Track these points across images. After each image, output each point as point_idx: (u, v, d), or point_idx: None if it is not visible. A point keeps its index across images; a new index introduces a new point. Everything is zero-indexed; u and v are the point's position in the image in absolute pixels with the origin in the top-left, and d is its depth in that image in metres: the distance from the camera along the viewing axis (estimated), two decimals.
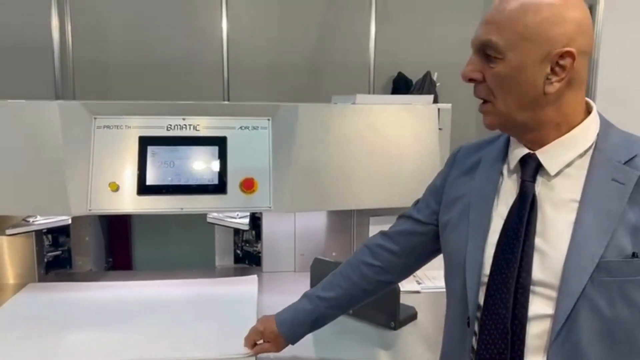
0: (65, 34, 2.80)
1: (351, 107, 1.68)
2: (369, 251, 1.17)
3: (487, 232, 0.91)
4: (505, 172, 0.94)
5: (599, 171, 0.84)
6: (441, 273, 1.76)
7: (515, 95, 0.86)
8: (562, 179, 0.87)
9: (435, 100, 2.86)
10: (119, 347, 1.21)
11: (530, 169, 0.89)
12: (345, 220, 1.78)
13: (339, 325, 1.40)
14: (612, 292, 0.78)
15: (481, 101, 0.91)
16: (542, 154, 0.88)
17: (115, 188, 1.53)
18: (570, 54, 0.82)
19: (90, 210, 1.52)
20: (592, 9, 2.56)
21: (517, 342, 0.83)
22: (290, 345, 1.21)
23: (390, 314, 1.38)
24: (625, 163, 0.84)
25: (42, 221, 1.62)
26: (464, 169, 1.02)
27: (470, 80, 0.90)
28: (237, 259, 1.88)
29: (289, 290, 1.63)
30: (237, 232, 1.86)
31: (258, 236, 1.83)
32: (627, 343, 0.79)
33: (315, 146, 1.63)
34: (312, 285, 1.54)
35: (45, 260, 1.78)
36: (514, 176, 0.92)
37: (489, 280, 0.87)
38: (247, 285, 1.59)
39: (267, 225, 1.77)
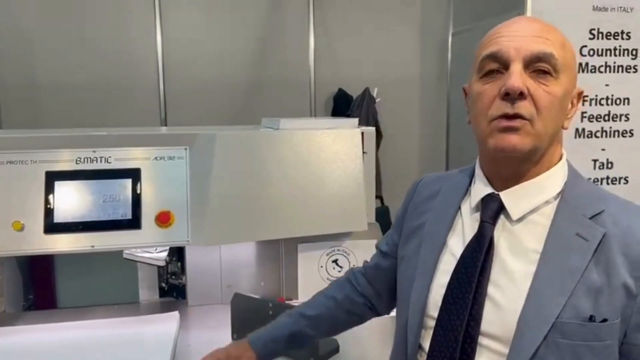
0: None
1: (273, 133, 1.64)
2: (354, 275, 1.14)
3: (434, 271, 0.86)
4: (465, 209, 0.88)
5: (563, 223, 0.79)
6: None
7: (555, 121, 0.80)
8: (525, 226, 0.82)
9: (374, 116, 2.88)
10: None
11: (491, 210, 0.83)
12: (273, 249, 1.73)
13: None
14: (564, 354, 0.73)
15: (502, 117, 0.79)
16: (506, 196, 0.83)
17: (20, 227, 1.44)
18: (581, 95, 0.82)
19: None
20: None
21: None
22: None
23: (310, 350, 1.33)
24: (591, 218, 0.79)
25: None
26: (423, 199, 0.97)
27: (520, 94, 0.78)
28: (163, 292, 1.81)
29: (214, 325, 1.57)
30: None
31: (183, 268, 1.76)
32: None
33: (235, 175, 1.57)
34: (233, 320, 1.48)
35: None
36: (475, 215, 0.86)
37: (436, 324, 0.82)
38: (166, 324, 1.52)
39: (191, 257, 1.70)
